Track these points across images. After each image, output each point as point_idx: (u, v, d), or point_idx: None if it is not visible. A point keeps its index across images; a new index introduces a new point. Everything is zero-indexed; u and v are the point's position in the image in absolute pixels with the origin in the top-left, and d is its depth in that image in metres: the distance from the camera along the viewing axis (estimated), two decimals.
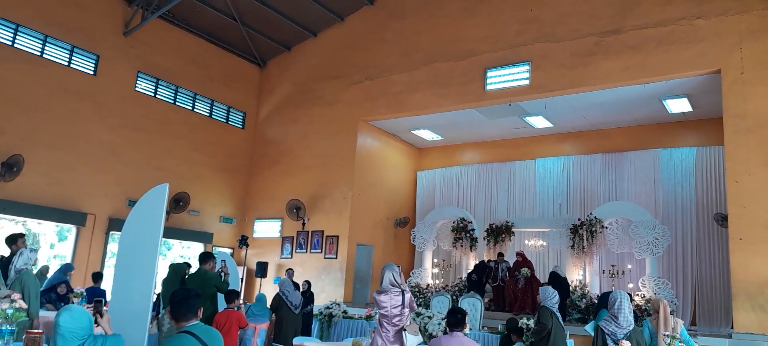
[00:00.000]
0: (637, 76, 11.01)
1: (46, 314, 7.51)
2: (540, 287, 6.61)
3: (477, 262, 13.09)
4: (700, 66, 10.43)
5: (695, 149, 12.95)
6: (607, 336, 4.99)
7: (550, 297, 6.23)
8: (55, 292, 8.86)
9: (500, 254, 12.64)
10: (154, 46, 14.20)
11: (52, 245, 12.76)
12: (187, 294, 3.43)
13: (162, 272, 8.37)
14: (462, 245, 13.91)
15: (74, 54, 12.61)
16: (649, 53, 10.87)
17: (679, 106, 12.24)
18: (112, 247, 12.99)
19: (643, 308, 10.19)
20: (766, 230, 9.30)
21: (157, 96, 14.37)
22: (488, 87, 12.67)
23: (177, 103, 14.83)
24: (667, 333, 5.34)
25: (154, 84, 14.28)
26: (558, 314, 6.22)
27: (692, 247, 12.59)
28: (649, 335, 5.74)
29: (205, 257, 7.64)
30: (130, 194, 13.07)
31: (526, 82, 12.19)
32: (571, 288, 11.66)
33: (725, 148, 10.09)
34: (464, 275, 13.29)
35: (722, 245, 11.80)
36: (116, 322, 3.95)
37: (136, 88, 13.83)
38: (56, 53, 12.33)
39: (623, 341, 4.59)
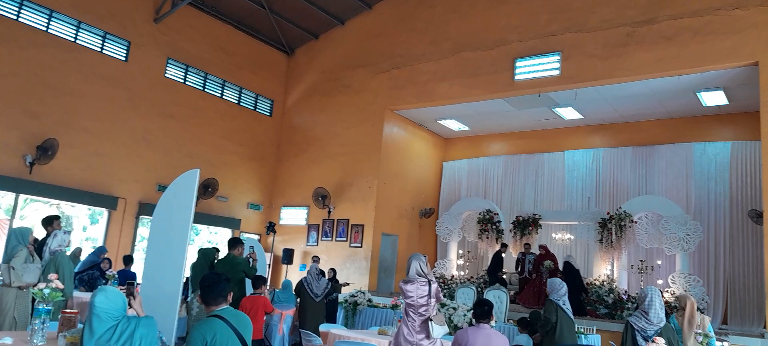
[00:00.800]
0: (671, 68, 10.75)
1: (80, 295, 7.70)
2: (548, 279, 6.50)
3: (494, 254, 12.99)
4: (737, 58, 10.14)
5: (730, 143, 12.62)
6: (636, 332, 4.91)
7: (557, 289, 6.13)
8: (99, 267, 9.05)
9: (527, 245, 12.52)
10: (183, 33, 14.35)
11: (85, 228, 13.05)
12: (217, 279, 3.47)
13: (191, 256, 8.49)
14: (488, 237, 13.81)
15: (106, 40, 12.82)
16: (685, 44, 10.59)
17: (714, 98, 11.92)
18: (142, 231, 13.26)
19: (672, 304, 10.00)
20: None
21: (187, 83, 14.54)
22: (517, 77, 12.51)
23: (206, 90, 14.99)
24: (700, 332, 5.24)
25: (183, 70, 14.45)
26: (564, 307, 6.09)
27: (725, 244, 12.31)
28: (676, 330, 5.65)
29: (234, 243, 7.71)
30: (160, 180, 13.30)
31: (557, 72, 12.00)
32: (598, 283, 11.52)
33: (762, 142, 9.82)
34: (486, 267, 13.22)
35: (756, 243, 11.52)
36: (147, 304, 4.01)
37: (166, 75, 14.01)
38: (89, 39, 12.54)
39: (657, 337, 4.50)
